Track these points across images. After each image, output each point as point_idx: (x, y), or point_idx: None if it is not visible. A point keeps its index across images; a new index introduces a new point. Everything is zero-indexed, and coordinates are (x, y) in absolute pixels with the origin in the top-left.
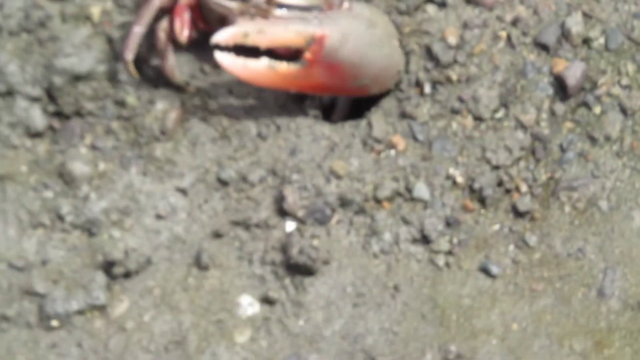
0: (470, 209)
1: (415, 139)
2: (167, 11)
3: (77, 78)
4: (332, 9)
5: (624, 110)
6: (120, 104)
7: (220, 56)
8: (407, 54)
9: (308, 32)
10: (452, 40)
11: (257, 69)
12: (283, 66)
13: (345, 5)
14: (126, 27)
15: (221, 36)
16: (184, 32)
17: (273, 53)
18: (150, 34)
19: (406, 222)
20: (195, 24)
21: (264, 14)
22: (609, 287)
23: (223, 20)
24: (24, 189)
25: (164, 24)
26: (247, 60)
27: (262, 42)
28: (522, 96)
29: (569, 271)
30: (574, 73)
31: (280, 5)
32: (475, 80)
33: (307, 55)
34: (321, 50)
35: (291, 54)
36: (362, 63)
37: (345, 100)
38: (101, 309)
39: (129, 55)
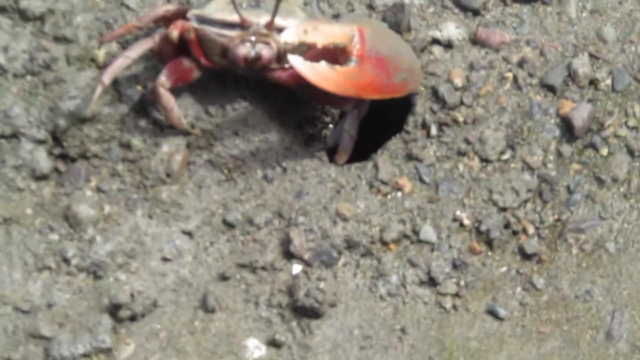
0: (477, 251)
1: (421, 180)
2: (158, 53)
3: (82, 120)
4: None
5: (631, 152)
6: (126, 146)
7: (294, 59)
8: (413, 95)
9: (350, 28)
10: (459, 81)
11: (322, 70)
12: (340, 67)
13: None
14: (131, 69)
15: (288, 36)
16: (174, 32)
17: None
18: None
19: (413, 264)
20: (198, 62)
21: (265, 40)
22: (617, 330)
23: (225, 52)
24: (29, 231)
25: (161, 79)
26: (313, 63)
27: (319, 38)
28: (528, 138)
29: (576, 313)
30: (580, 114)
31: (280, 31)
32: (482, 122)
33: (355, 51)
34: (365, 43)
35: (294, 79)
36: (398, 54)
37: (349, 140)
38: (107, 352)
39: (106, 79)
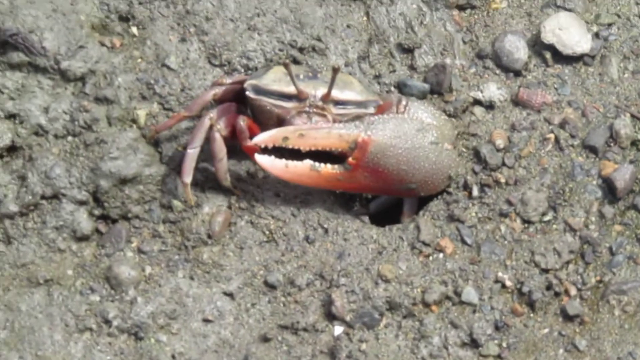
0: (519, 312)
1: (463, 242)
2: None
3: (123, 181)
4: (388, 106)
5: None
6: (167, 207)
7: (259, 158)
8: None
9: (351, 136)
10: (500, 142)
11: (300, 170)
12: (327, 168)
13: (403, 103)
14: (172, 130)
15: (260, 138)
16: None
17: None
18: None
19: (455, 325)
20: (252, 129)
21: (321, 112)
22: None
23: (281, 123)
24: (70, 292)
25: (220, 125)
26: (289, 161)
27: (303, 145)
28: (570, 199)
29: None
30: (622, 176)
31: (337, 102)
32: (524, 183)
33: (351, 159)
34: (364, 155)
35: (338, 153)
36: (409, 168)
37: (414, 201)
38: None
39: (187, 178)
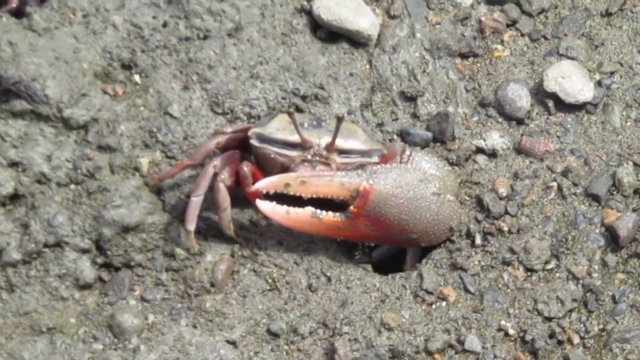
0: None
1: (466, 290)
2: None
3: (126, 229)
4: (392, 155)
5: None
6: (170, 255)
7: (261, 204)
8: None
9: (353, 185)
10: (503, 191)
11: (301, 217)
12: (328, 216)
13: (406, 153)
14: (175, 178)
15: (262, 184)
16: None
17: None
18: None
19: None
20: (255, 175)
21: (325, 161)
22: None
23: (285, 171)
24: (73, 341)
25: (224, 175)
26: (291, 208)
27: (305, 192)
28: (573, 247)
29: None
30: (625, 224)
31: (341, 152)
32: (527, 231)
33: (352, 208)
34: (366, 204)
35: (339, 201)
36: (410, 218)
37: (417, 250)
38: None
39: (191, 226)
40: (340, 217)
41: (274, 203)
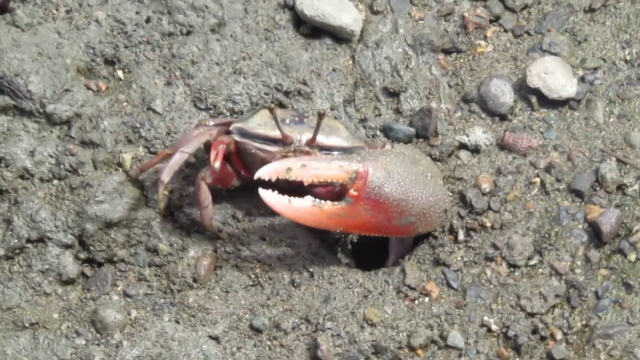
0: (505, 356)
1: (449, 286)
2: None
3: (109, 225)
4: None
5: None
6: (153, 251)
7: (264, 193)
8: None
9: (352, 167)
10: (486, 186)
11: (303, 207)
12: (328, 204)
13: (387, 146)
14: (157, 174)
15: (264, 171)
16: (216, 163)
17: (316, 195)
18: (186, 186)
19: None
20: (238, 172)
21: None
22: None
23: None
24: (55, 336)
25: (204, 174)
26: (293, 198)
27: (306, 176)
28: (556, 243)
29: None
30: (608, 220)
31: (322, 148)
32: (509, 227)
33: (352, 191)
34: (365, 185)
35: (333, 196)
36: (408, 199)
37: (399, 247)
38: None
39: (166, 177)
40: (341, 204)
41: (277, 193)
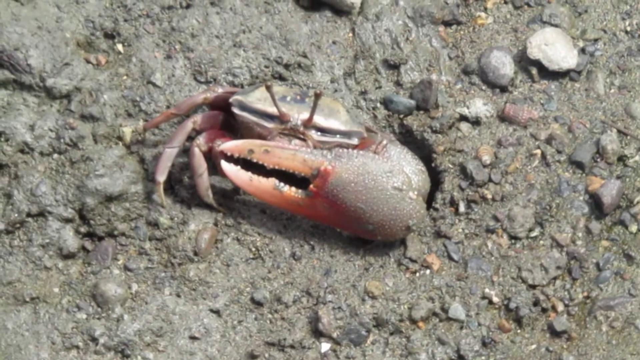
0: (506, 328)
1: (450, 258)
2: (200, 130)
3: (109, 199)
4: (371, 143)
5: None
6: (153, 224)
7: (225, 165)
8: (441, 172)
9: (315, 163)
10: (487, 158)
11: (263, 186)
12: (290, 190)
13: (383, 143)
14: (158, 148)
15: (227, 146)
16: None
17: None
18: (185, 154)
19: (442, 342)
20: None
21: (302, 137)
22: None
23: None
24: (56, 310)
25: (200, 140)
26: (254, 176)
27: (267, 161)
28: (557, 215)
29: None
30: (609, 191)
31: (319, 129)
32: (510, 199)
33: (312, 187)
34: (324, 185)
35: (301, 177)
36: (367, 208)
37: None
38: None
39: (160, 177)
40: (301, 194)
41: (239, 167)
